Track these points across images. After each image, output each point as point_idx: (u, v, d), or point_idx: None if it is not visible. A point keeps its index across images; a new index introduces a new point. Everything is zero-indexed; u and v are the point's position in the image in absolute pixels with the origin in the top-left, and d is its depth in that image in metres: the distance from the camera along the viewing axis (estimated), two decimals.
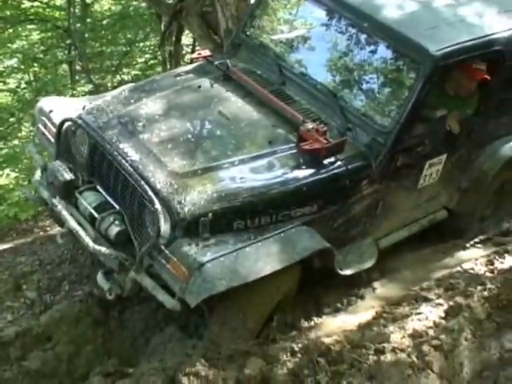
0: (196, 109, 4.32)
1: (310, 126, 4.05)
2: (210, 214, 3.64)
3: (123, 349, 4.29)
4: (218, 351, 3.60)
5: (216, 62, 4.70)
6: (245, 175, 3.86)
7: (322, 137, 4.00)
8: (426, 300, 4.11)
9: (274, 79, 4.58)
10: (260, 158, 3.98)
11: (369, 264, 4.31)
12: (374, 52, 4.34)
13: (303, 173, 3.96)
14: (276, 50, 4.73)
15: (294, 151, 4.04)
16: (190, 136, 4.09)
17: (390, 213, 4.42)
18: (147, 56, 12.82)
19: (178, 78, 4.68)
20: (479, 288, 3.97)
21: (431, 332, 3.62)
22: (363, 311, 4.17)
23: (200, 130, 4.18)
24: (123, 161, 3.85)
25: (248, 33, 4.90)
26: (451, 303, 3.88)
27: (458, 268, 4.53)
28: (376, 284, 4.50)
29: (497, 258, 4.53)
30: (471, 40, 4.27)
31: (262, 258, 3.63)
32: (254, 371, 3.39)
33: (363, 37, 4.38)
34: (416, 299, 4.19)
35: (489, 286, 3.94)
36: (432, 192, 4.67)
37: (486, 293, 3.90)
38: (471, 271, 4.44)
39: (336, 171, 4.03)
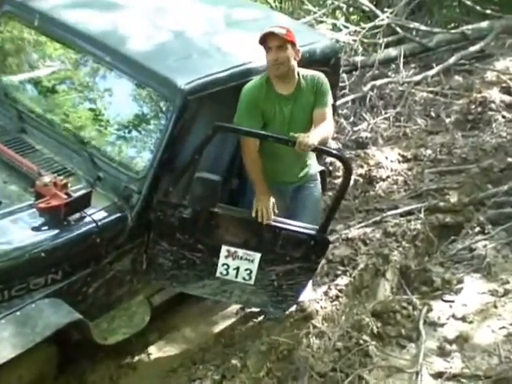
0: None
1: (47, 179, 3.46)
2: None
3: None
4: None
5: None
6: None
7: (61, 191, 3.43)
8: (204, 362, 3.68)
9: (12, 127, 3.96)
10: None
11: (140, 327, 3.78)
12: (120, 89, 3.87)
13: (41, 236, 3.35)
14: (13, 94, 4.09)
15: (31, 211, 3.44)
16: None
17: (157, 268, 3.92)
18: None
19: None
20: (257, 342, 3.60)
21: None
22: None
23: None
24: None
25: None
26: (228, 364, 3.47)
27: (240, 316, 4.16)
28: (152, 349, 3.98)
29: None
30: (227, 70, 3.91)
31: None
32: None
33: (107, 72, 3.89)
34: (194, 362, 3.76)
35: (266, 339, 3.57)
36: None
37: (263, 347, 3.52)
38: (254, 320, 4.08)
39: (83, 229, 3.47)
